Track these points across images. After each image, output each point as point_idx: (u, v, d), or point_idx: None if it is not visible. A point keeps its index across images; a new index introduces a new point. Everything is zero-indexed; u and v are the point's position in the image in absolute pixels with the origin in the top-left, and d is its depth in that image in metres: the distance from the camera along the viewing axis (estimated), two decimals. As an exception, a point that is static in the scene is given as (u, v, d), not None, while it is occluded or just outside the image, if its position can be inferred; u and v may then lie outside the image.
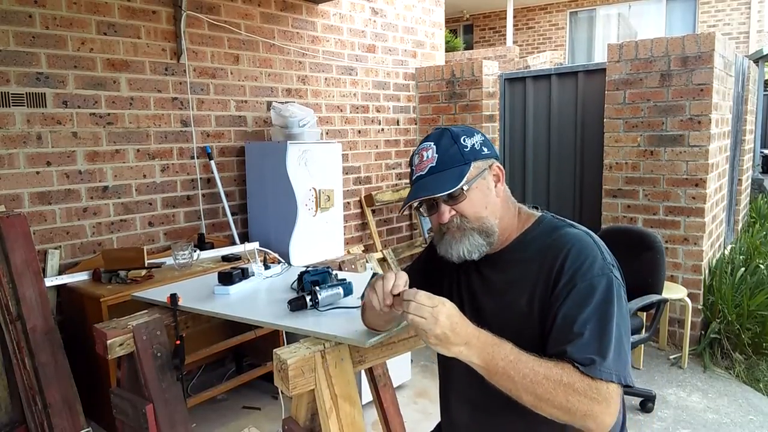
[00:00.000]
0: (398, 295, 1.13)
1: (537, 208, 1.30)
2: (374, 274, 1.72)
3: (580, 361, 1.02)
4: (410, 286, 1.42)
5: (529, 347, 1.09)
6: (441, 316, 1.02)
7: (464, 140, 1.19)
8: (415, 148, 1.26)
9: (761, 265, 4.12)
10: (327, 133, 4.06)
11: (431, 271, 1.39)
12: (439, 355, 1.38)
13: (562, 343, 1.06)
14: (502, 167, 1.23)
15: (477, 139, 1.21)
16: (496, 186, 1.21)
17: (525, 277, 1.17)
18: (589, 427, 1.02)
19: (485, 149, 1.21)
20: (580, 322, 1.06)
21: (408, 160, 4.77)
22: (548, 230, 1.21)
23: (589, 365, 1.02)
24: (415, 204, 1.22)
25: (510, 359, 1.02)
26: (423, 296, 1.05)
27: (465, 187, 1.16)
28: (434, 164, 1.18)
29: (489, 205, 1.19)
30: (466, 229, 1.18)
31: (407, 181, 4.76)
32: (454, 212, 1.18)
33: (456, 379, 1.32)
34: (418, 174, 1.20)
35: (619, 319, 1.08)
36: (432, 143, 1.20)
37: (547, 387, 1.00)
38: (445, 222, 1.18)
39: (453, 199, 1.17)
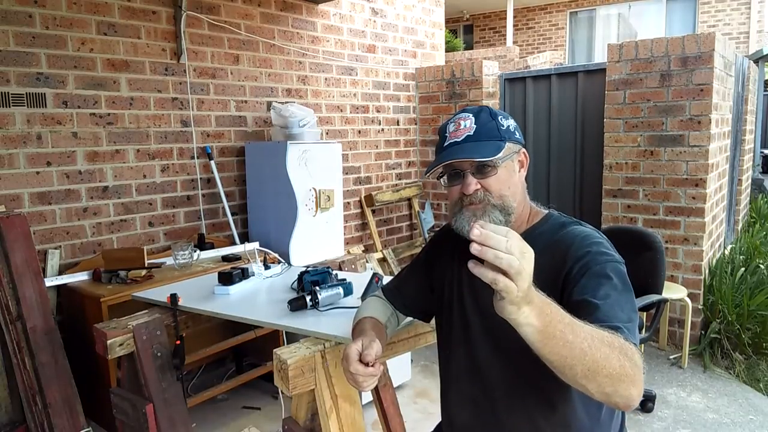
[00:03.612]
0: (367, 364, 1.11)
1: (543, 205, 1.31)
2: (374, 274, 1.72)
3: (611, 327, 0.95)
4: (413, 285, 1.45)
5: None
6: (531, 265, 0.82)
7: (501, 120, 1.21)
8: (450, 117, 1.26)
9: (761, 265, 4.12)
10: (327, 133, 4.06)
11: (432, 267, 1.38)
12: (439, 353, 1.38)
13: (587, 313, 1.01)
14: (527, 155, 1.26)
15: (512, 122, 1.24)
16: (519, 171, 1.24)
17: (536, 272, 1.14)
18: (630, 395, 0.91)
19: (517, 134, 1.24)
20: (601, 296, 1.04)
21: (406, 161, 4.79)
22: (556, 227, 1.22)
23: (620, 330, 0.96)
24: (439, 170, 1.22)
25: (566, 321, 0.88)
26: (518, 237, 0.81)
27: (499, 162, 1.17)
28: (471, 133, 1.19)
29: (512, 186, 1.20)
30: (488, 205, 1.17)
31: (407, 181, 4.79)
32: (479, 186, 1.17)
33: (457, 378, 1.31)
34: (452, 140, 1.20)
35: (632, 300, 1.06)
36: (471, 114, 1.22)
37: (605, 351, 0.88)
38: (469, 193, 1.17)
39: (481, 172, 1.17)
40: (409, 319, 1.55)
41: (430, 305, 1.42)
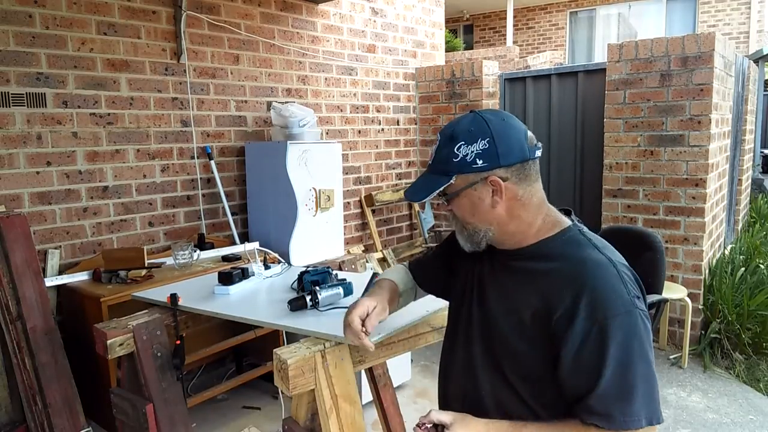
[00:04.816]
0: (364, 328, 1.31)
1: (569, 213, 1.23)
2: (374, 274, 1.72)
3: (600, 415, 1.01)
4: (436, 263, 1.48)
5: (520, 358, 1.11)
6: None
7: (459, 148, 1.12)
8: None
9: (761, 265, 4.12)
10: (327, 133, 4.06)
11: (453, 256, 1.38)
12: (444, 341, 1.38)
13: (581, 391, 1.03)
14: (503, 181, 1.12)
15: (474, 148, 1.11)
16: (493, 197, 1.13)
17: (533, 289, 1.11)
18: None
19: (479, 161, 1.11)
20: (600, 367, 1.01)
21: (406, 161, 4.79)
22: (568, 248, 1.13)
23: (612, 420, 1.00)
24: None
25: None
26: (435, 415, 1.13)
27: (444, 198, 1.18)
28: (431, 162, 1.19)
29: (478, 214, 1.16)
30: (457, 227, 1.23)
31: (407, 181, 4.78)
32: (448, 207, 1.21)
33: (455, 370, 1.31)
34: (428, 164, 1.23)
35: (642, 357, 1.02)
36: (440, 137, 1.19)
37: None
38: (441, 210, 1.22)
39: (444, 196, 1.19)
40: (422, 300, 1.58)
41: (448, 286, 1.44)
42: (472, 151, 1.12)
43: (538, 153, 1.16)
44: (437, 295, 1.53)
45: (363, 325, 1.31)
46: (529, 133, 1.16)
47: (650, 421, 1.00)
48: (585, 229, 1.19)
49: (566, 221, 1.19)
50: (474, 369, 1.22)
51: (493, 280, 1.22)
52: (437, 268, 1.47)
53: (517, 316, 1.13)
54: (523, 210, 1.16)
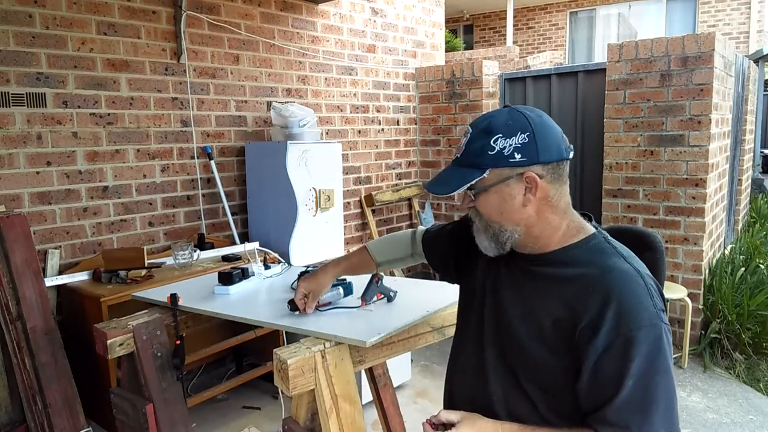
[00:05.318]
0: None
1: (590, 218, 1.21)
2: (374, 274, 1.72)
3: (616, 427, 0.99)
4: (441, 251, 1.49)
5: (538, 367, 1.08)
6: None
7: (496, 141, 1.08)
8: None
9: (761, 265, 4.12)
10: (327, 133, 4.06)
11: (462, 248, 1.35)
12: (454, 340, 1.37)
13: (598, 402, 1.01)
14: (539, 178, 1.08)
15: (513, 141, 1.07)
16: (526, 194, 1.09)
17: (556, 296, 1.08)
18: None
19: (517, 155, 1.07)
20: (622, 378, 0.98)
21: (406, 161, 4.79)
22: (594, 256, 1.09)
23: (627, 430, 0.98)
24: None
25: None
26: (444, 415, 1.13)
27: (471, 192, 1.12)
28: (459, 155, 1.14)
29: (506, 212, 1.11)
30: (479, 226, 1.16)
31: (407, 180, 4.78)
32: (473, 204, 1.14)
33: (463, 371, 1.29)
34: (454, 157, 1.17)
35: (665, 371, 1.01)
36: (471, 129, 1.14)
37: None
38: (457, 204, 1.19)
39: (472, 190, 1.12)
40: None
41: (449, 273, 1.44)
42: (511, 145, 1.07)
43: (572, 154, 1.13)
44: (438, 272, 1.54)
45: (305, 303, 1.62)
46: (563, 134, 1.14)
47: None
48: (609, 236, 1.16)
49: (590, 228, 1.16)
50: (485, 373, 1.20)
51: (509, 284, 1.18)
52: (444, 253, 1.46)
53: (535, 323, 1.10)
54: (552, 212, 1.12)
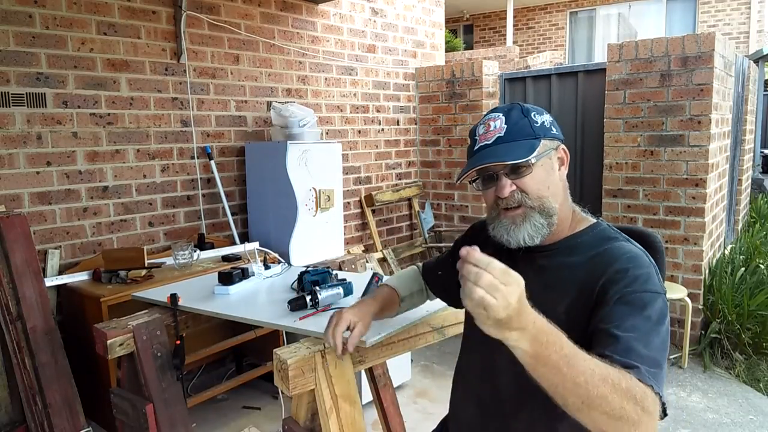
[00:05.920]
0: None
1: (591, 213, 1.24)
2: (374, 274, 1.72)
3: (625, 365, 0.91)
4: (448, 267, 1.44)
5: None
6: (512, 297, 0.81)
7: (534, 116, 1.14)
8: (480, 119, 1.20)
9: (761, 265, 4.12)
10: (327, 133, 4.06)
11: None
12: (462, 344, 1.36)
13: (604, 345, 0.98)
14: (567, 151, 1.18)
15: (547, 117, 1.16)
16: (560, 169, 1.16)
17: (567, 282, 1.10)
18: None
19: (554, 129, 1.16)
20: (628, 327, 0.97)
21: (406, 161, 4.79)
22: (601, 239, 1.14)
23: (636, 370, 0.91)
24: (474, 175, 1.17)
25: (564, 353, 0.86)
26: (499, 271, 0.82)
27: (533, 161, 1.10)
28: (502, 134, 1.12)
29: (551, 186, 1.13)
30: (527, 208, 1.12)
31: (407, 181, 4.78)
32: (515, 187, 1.12)
33: (468, 376, 1.29)
34: (483, 143, 1.14)
35: (664, 340, 0.99)
36: (501, 114, 1.15)
37: (603, 390, 0.84)
38: (504, 196, 1.11)
39: (516, 173, 1.11)
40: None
41: (453, 298, 1.43)
42: (547, 120, 1.16)
43: None
44: (448, 303, 1.53)
45: (344, 342, 1.33)
46: None
47: (661, 396, 0.91)
48: (613, 225, 1.20)
49: (593, 217, 1.21)
50: (493, 375, 1.19)
51: None
52: (445, 279, 1.44)
53: (552, 313, 1.06)
54: (566, 192, 1.18)
